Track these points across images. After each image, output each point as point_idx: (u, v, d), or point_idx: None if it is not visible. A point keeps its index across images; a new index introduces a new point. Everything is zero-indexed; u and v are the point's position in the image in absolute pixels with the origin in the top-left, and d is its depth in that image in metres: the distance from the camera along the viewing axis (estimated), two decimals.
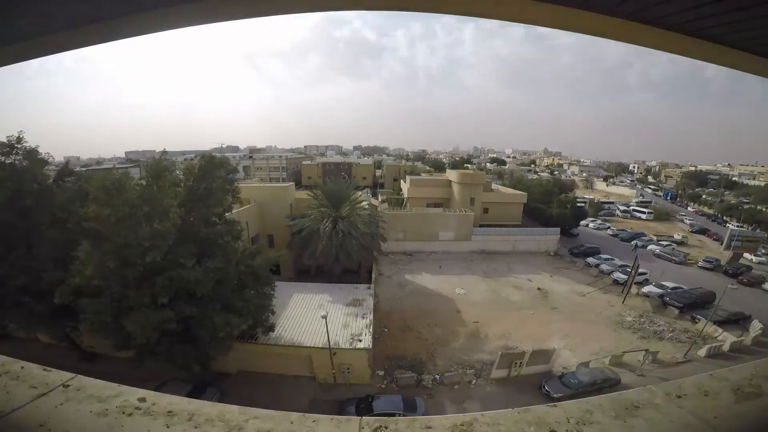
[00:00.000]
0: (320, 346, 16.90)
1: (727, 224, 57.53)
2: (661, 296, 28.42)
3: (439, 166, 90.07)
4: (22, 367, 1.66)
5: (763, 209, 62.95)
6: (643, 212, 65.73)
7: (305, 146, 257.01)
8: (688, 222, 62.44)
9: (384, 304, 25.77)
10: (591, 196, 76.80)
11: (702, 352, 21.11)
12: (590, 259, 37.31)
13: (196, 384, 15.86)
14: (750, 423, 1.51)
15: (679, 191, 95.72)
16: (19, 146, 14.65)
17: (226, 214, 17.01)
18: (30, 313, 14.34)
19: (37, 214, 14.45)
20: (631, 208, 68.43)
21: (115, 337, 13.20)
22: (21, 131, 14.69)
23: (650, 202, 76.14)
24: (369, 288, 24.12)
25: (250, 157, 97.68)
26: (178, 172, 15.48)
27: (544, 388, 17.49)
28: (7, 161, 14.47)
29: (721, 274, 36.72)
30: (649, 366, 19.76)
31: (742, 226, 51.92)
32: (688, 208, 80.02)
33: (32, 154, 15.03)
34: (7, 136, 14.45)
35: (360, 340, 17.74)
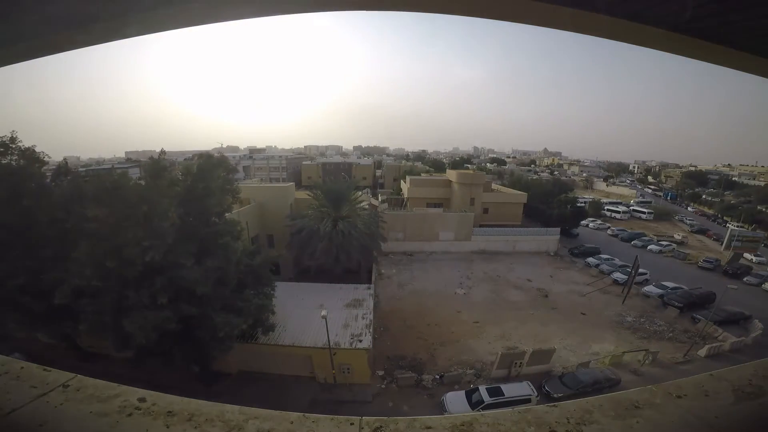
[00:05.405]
0: (320, 346, 16.90)
1: (727, 224, 57.51)
2: (661, 296, 28.46)
3: (439, 166, 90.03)
4: (22, 367, 1.65)
5: (763, 209, 62.96)
6: (643, 212, 65.82)
7: (305, 146, 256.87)
8: (688, 222, 62.46)
9: (384, 304, 25.78)
10: (591, 197, 76.77)
11: (702, 352, 21.13)
12: (590, 259, 37.35)
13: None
14: (750, 423, 1.51)
15: (679, 191, 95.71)
16: (13, 146, 14.48)
17: (226, 214, 17.00)
18: (29, 313, 14.29)
19: (36, 213, 14.37)
20: (631, 208, 68.55)
21: (114, 337, 13.17)
22: (14, 131, 14.50)
23: (650, 202, 76.19)
24: (369, 288, 24.10)
25: (250, 157, 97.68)
26: (178, 172, 15.45)
27: (544, 388, 17.48)
28: (3, 161, 14.30)
29: (721, 274, 36.77)
30: (649, 366, 19.77)
31: (742, 226, 51.91)
32: (688, 208, 79.97)
33: (28, 153, 14.78)
34: (0, 137, 14.28)
35: (360, 340, 17.75)
